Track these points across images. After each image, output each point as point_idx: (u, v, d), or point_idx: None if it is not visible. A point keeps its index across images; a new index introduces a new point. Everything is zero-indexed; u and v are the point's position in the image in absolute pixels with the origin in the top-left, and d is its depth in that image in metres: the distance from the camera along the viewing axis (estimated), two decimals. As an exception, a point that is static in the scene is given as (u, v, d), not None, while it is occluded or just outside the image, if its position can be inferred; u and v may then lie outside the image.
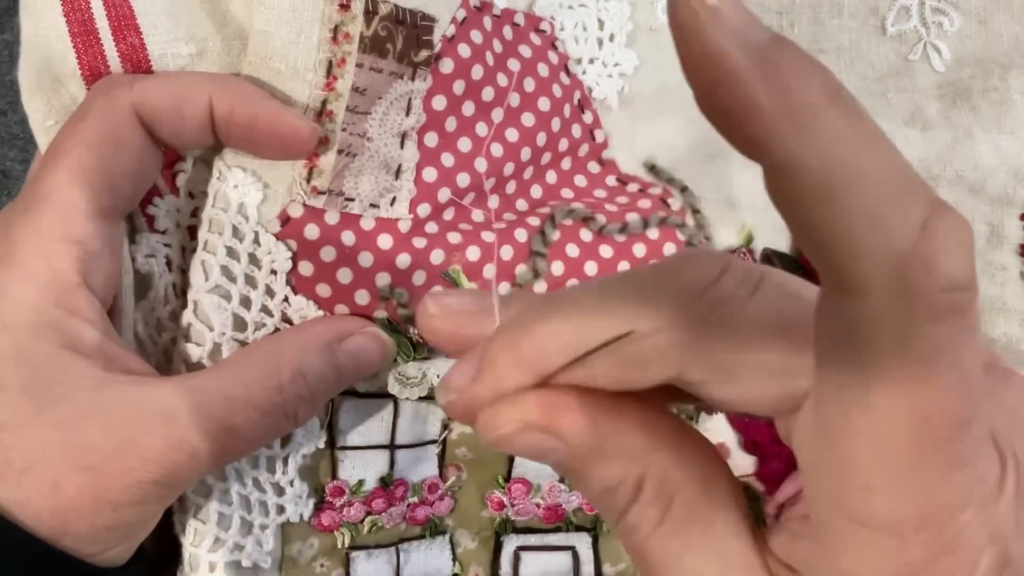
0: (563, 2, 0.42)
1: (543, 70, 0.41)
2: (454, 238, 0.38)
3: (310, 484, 0.40)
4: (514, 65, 0.39)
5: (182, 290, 0.37)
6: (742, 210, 0.44)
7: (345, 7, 0.34)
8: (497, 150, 0.40)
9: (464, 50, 0.37)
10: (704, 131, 0.44)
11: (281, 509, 0.39)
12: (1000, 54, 0.45)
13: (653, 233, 0.42)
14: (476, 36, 0.38)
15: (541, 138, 0.41)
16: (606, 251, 0.41)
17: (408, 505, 0.42)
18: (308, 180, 0.36)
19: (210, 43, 0.36)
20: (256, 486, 0.38)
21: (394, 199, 0.38)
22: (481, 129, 0.39)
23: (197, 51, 0.35)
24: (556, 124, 0.41)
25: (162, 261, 0.37)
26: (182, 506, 0.37)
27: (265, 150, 0.35)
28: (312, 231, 0.36)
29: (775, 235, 0.45)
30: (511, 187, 0.41)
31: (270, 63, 0.34)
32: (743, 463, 0.45)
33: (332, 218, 0.37)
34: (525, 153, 0.40)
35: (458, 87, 0.38)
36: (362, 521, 0.41)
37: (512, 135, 0.40)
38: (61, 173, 0.32)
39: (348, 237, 0.37)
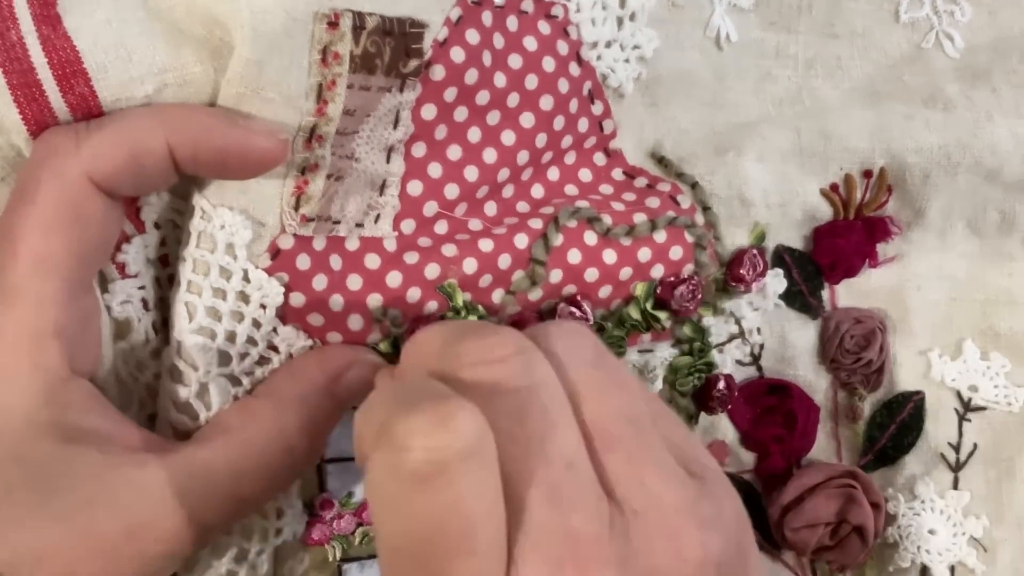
0: None
1: (549, 64, 0.38)
2: (449, 251, 0.36)
3: (300, 500, 0.38)
4: (515, 62, 0.37)
5: (162, 324, 0.35)
6: (755, 207, 0.42)
7: (333, 25, 0.31)
8: (490, 155, 0.37)
9: (457, 54, 0.35)
10: (717, 120, 0.42)
11: (279, 532, 0.37)
12: (1012, 45, 0.44)
13: (660, 236, 0.40)
14: (472, 36, 0.35)
15: (541, 139, 0.38)
16: (609, 256, 0.39)
17: None
18: (296, 208, 0.33)
19: (169, 75, 0.31)
20: (258, 513, 0.36)
21: (378, 216, 0.36)
22: (474, 135, 0.37)
23: (155, 89, 0.31)
24: (560, 122, 0.39)
25: (138, 305, 0.35)
26: None
27: (237, 175, 0.32)
28: (304, 261, 0.34)
29: (789, 232, 0.43)
30: (508, 191, 0.38)
31: (262, 93, 0.31)
32: (743, 458, 0.44)
33: (319, 244, 0.34)
34: (522, 156, 0.38)
35: (449, 94, 0.35)
36: (353, 533, 0.40)
37: (508, 138, 0.38)
38: (25, 264, 0.29)
39: (335, 261, 0.35)
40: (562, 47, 0.38)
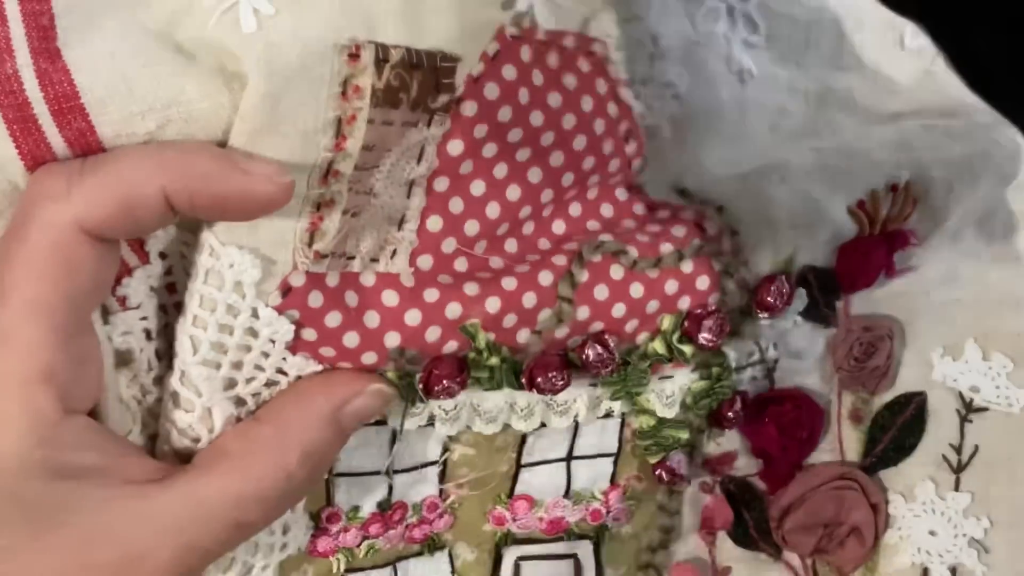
0: (619, 16, 0.37)
1: (587, 103, 0.36)
2: (471, 289, 0.36)
3: (306, 513, 0.38)
4: (554, 100, 0.35)
5: (166, 351, 0.35)
6: (782, 227, 0.41)
7: (354, 57, 0.30)
8: (514, 193, 0.36)
9: (491, 90, 0.34)
10: (737, 153, 0.42)
11: (284, 546, 0.37)
12: None
13: (687, 266, 0.39)
14: (509, 71, 0.34)
15: (568, 178, 0.37)
16: (636, 290, 0.38)
17: (407, 526, 0.41)
18: (310, 244, 0.33)
19: (173, 111, 0.30)
20: (267, 530, 0.36)
21: (395, 251, 0.35)
22: (500, 171, 0.36)
23: (157, 125, 0.30)
24: (590, 162, 0.38)
25: (140, 335, 0.34)
26: None
27: (239, 218, 0.31)
28: (316, 299, 0.33)
29: (815, 252, 0.43)
30: (529, 227, 0.38)
31: (278, 129, 0.30)
32: (748, 464, 0.45)
33: (333, 280, 0.34)
34: (546, 195, 0.37)
35: (479, 131, 0.34)
36: (358, 546, 0.40)
37: (535, 175, 0.36)
38: (15, 309, 0.29)
39: (351, 298, 0.34)
40: (601, 86, 0.37)
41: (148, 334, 0.34)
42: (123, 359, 0.34)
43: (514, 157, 0.36)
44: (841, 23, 0.41)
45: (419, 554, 0.42)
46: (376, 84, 0.30)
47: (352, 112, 0.31)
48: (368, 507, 0.39)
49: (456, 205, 0.35)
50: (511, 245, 0.37)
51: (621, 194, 0.40)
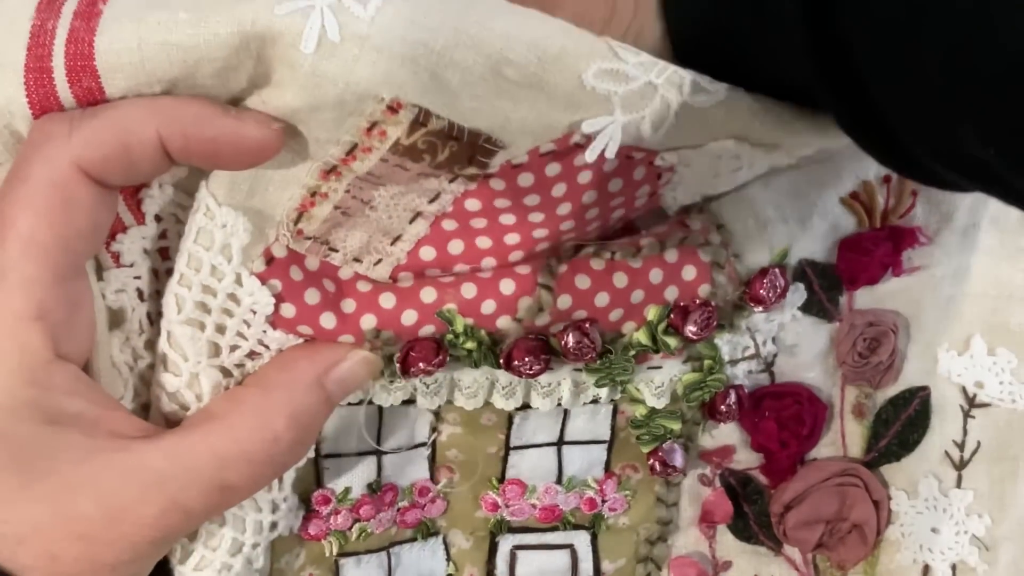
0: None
1: (618, 201, 0.36)
2: (446, 279, 0.36)
3: (296, 495, 0.38)
4: (589, 198, 0.35)
5: (157, 315, 0.35)
6: (772, 223, 0.41)
7: (393, 110, 0.30)
8: (512, 239, 0.36)
9: (525, 179, 0.33)
10: (719, 179, 0.41)
11: (274, 525, 0.38)
12: None
13: (671, 256, 0.38)
14: (552, 169, 0.33)
15: (569, 236, 0.37)
16: (620, 279, 0.38)
17: (398, 509, 0.41)
18: (296, 222, 0.33)
19: (180, 86, 0.30)
20: (252, 506, 0.36)
21: (379, 261, 0.35)
22: (511, 239, 0.36)
23: (163, 91, 0.30)
24: (594, 228, 0.38)
25: (133, 295, 0.35)
26: None
27: (233, 165, 0.32)
28: (296, 272, 0.34)
29: (813, 245, 0.43)
30: (517, 255, 0.37)
31: (294, 131, 0.30)
32: (749, 458, 0.44)
33: (312, 264, 0.34)
34: (542, 247, 0.37)
35: (501, 203, 0.34)
36: (350, 528, 0.40)
37: (539, 233, 0.36)
38: (13, 247, 0.30)
39: (328, 284, 0.35)
40: (644, 189, 0.36)
41: (141, 294, 0.35)
42: (115, 320, 0.35)
43: (526, 217, 0.35)
44: None
45: (412, 540, 0.42)
46: (402, 139, 0.30)
47: (369, 146, 0.31)
48: (358, 489, 0.39)
49: (455, 247, 0.36)
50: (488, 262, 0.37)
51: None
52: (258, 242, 0.33)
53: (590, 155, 0.32)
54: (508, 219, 0.35)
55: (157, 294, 0.35)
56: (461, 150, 0.31)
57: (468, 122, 0.30)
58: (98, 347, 0.34)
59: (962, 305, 0.43)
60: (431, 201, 0.34)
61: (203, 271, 0.33)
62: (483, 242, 0.36)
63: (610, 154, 0.32)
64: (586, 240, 0.38)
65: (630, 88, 0.30)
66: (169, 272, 0.34)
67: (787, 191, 0.42)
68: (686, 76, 0.31)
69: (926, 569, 0.44)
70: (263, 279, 0.33)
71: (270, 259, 0.34)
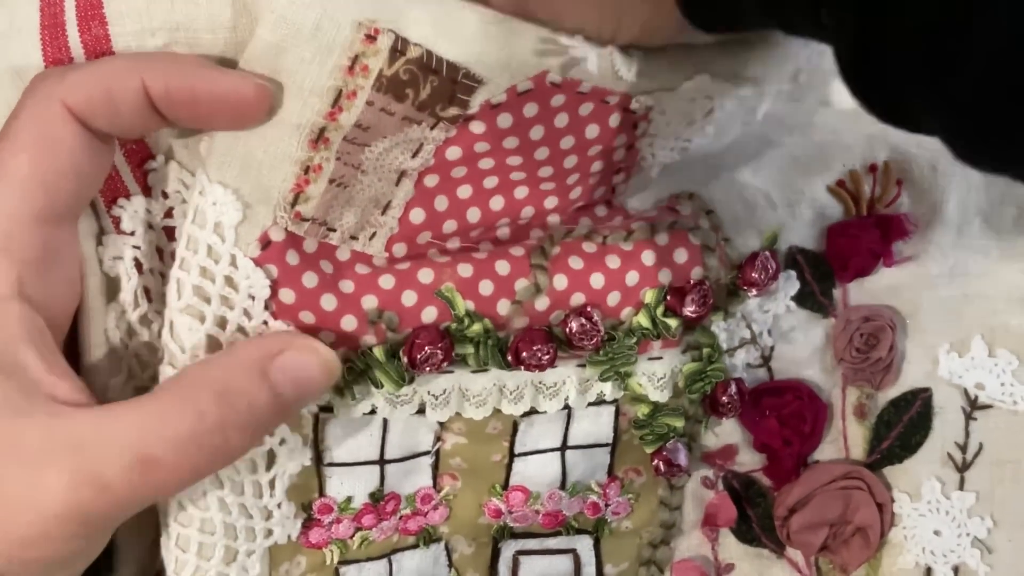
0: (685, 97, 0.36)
1: (596, 150, 0.36)
2: (441, 258, 0.36)
3: (296, 503, 0.38)
4: (567, 143, 0.35)
5: (158, 293, 0.35)
6: (760, 208, 0.41)
7: (371, 39, 0.30)
8: (497, 203, 0.37)
9: (504, 120, 0.33)
10: (711, 177, 0.41)
11: (268, 532, 0.37)
12: None
13: (662, 239, 0.39)
14: (530, 109, 0.34)
15: (551, 201, 0.38)
16: (612, 261, 0.38)
17: (400, 517, 0.40)
18: (293, 204, 0.33)
19: (180, 34, 0.32)
20: (243, 512, 0.36)
21: (374, 234, 0.35)
22: (490, 182, 0.36)
23: (164, 44, 0.32)
24: (577, 192, 0.38)
25: (130, 263, 0.34)
26: (165, 533, 0.35)
27: (218, 123, 0.32)
28: (293, 257, 0.34)
29: (802, 231, 0.43)
30: (504, 232, 0.38)
31: (277, 77, 0.31)
32: (751, 460, 0.44)
33: (310, 246, 0.34)
34: (527, 211, 0.37)
35: (481, 147, 0.34)
36: (352, 537, 0.39)
37: (521, 193, 0.37)
38: None
39: (326, 266, 0.34)
40: (621, 139, 0.37)
41: (139, 266, 0.34)
42: (111, 290, 0.35)
43: (508, 176, 0.36)
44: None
45: (414, 547, 0.41)
46: (384, 70, 0.31)
47: (353, 88, 0.31)
48: (360, 498, 0.39)
49: (441, 203, 0.36)
50: (485, 246, 0.38)
51: (600, 211, 0.40)
52: (254, 226, 0.33)
53: (588, 66, 0.32)
54: (487, 163, 0.35)
55: (162, 276, 0.35)
56: (442, 85, 0.32)
57: (445, 54, 0.31)
58: (92, 316, 0.34)
59: (961, 306, 0.43)
60: (414, 155, 0.34)
61: (200, 252, 0.33)
62: (464, 191, 0.36)
63: (592, 67, 0.32)
64: (572, 215, 0.38)
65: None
66: (173, 255, 0.34)
67: (775, 178, 0.42)
68: None
69: (928, 571, 0.44)
70: (259, 263, 0.33)
71: (266, 243, 0.33)
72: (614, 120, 0.36)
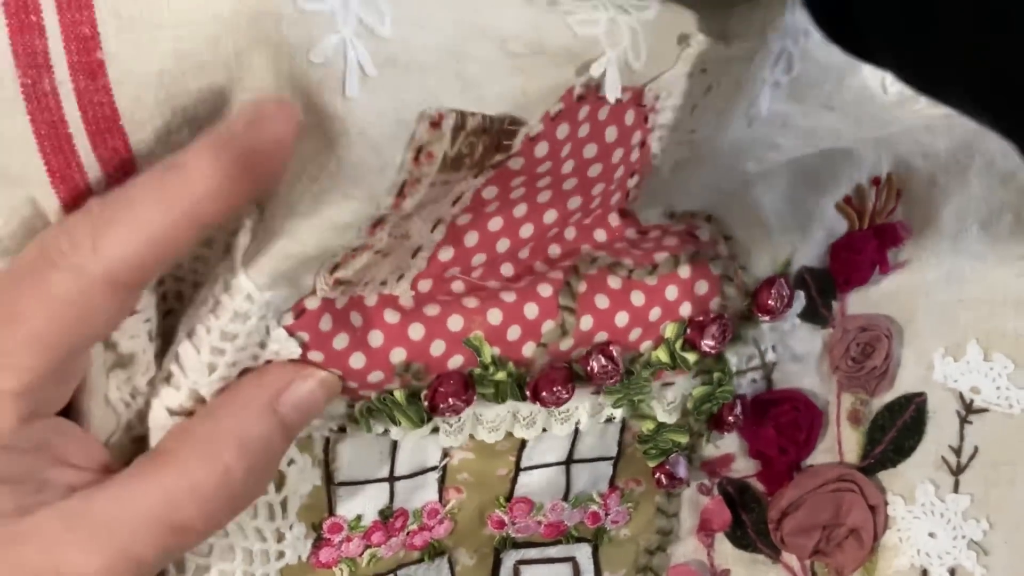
0: (686, 72, 0.35)
1: (618, 155, 0.36)
2: (471, 303, 0.35)
3: (307, 523, 0.38)
4: (590, 151, 0.35)
5: (160, 350, 0.34)
6: (775, 231, 0.41)
7: (436, 126, 0.29)
8: (527, 231, 0.36)
9: (541, 149, 0.33)
10: (722, 180, 0.41)
11: (281, 554, 0.37)
12: None
13: (684, 271, 0.38)
14: (562, 131, 0.33)
15: (576, 217, 0.37)
16: (638, 298, 0.38)
17: (408, 533, 0.40)
18: (332, 272, 0.32)
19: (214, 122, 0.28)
20: (258, 536, 0.36)
21: (401, 276, 0.35)
22: (520, 210, 0.36)
23: (190, 135, 0.28)
24: (597, 201, 0.37)
25: (144, 339, 0.34)
26: (181, 567, 0.35)
27: (268, 164, 0.28)
28: (326, 322, 0.33)
29: (811, 251, 0.43)
30: (525, 252, 0.37)
31: (349, 192, 0.29)
32: (746, 466, 0.45)
33: (341, 303, 0.33)
34: (553, 232, 0.37)
35: (516, 181, 0.34)
36: (361, 555, 0.39)
37: (550, 216, 0.36)
38: (16, 336, 0.28)
39: (355, 318, 0.34)
40: (636, 137, 0.36)
41: (150, 336, 0.34)
42: (123, 362, 0.34)
43: (536, 198, 0.35)
44: (842, 67, 0.40)
45: (419, 561, 0.41)
46: (448, 152, 0.29)
47: (419, 176, 0.30)
48: (370, 516, 0.39)
49: (471, 239, 0.35)
50: (507, 269, 0.37)
51: (613, 219, 0.39)
52: (291, 299, 0.32)
53: (610, 92, 0.32)
54: (519, 193, 0.35)
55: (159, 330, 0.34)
56: (491, 141, 0.31)
57: (494, 110, 0.30)
58: (92, 389, 0.32)
59: (957, 310, 0.44)
60: (454, 204, 0.33)
61: (239, 340, 0.31)
62: (495, 223, 0.36)
63: (615, 87, 0.32)
64: (587, 228, 0.38)
65: (603, 27, 0.31)
66: (164, 297, 0.33)
67: (787, 198, 0.42)
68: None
69: (924, 574, 0.44)
70: (291, 331, 0.32)
71: (300, 312, 0.32)
72: (629, 117, 0.35)
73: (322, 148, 0.28)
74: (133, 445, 0.34)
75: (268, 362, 0.33)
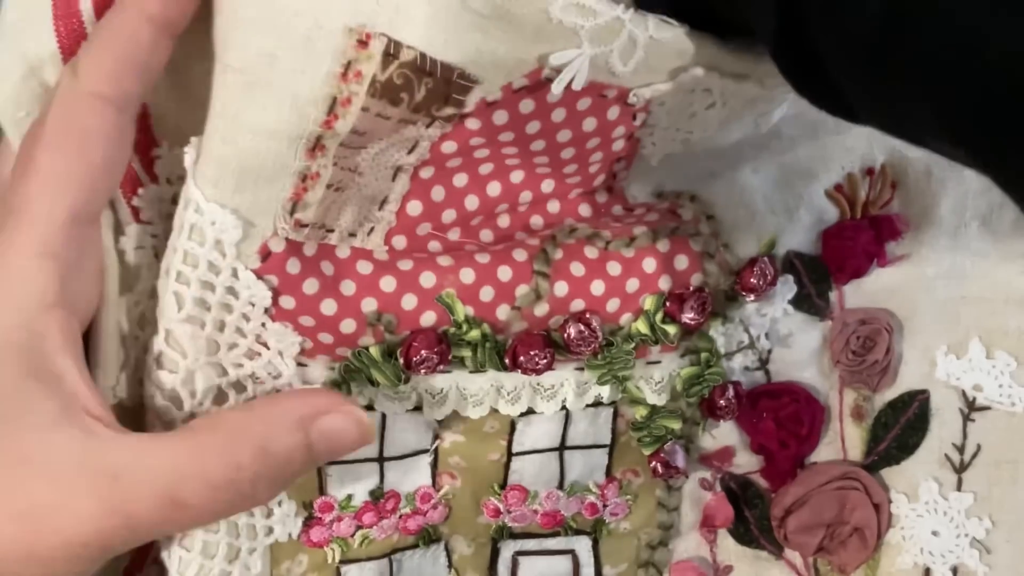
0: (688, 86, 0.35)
1: (595, 142, 0.36)
2: (445, 261, 0.36)
3: (297, 501, 0.38)
4: (564, 136, 0.35)
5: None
6: (760, 213, 0.42)
7: (363, 44, 0.29)
8: (495, 189, 0.37)
9: (500, 116, 0.33)
10: (715, 162, 0.41)
11: (269, 530, 0.37)
12: None
13: (663, 245, 0.39)
14: (526, 105, 0.33)
15: (547, 184, 0.38)
16: (614, 268, 0.38)
17: (400, 516, 0.41)
18: (292, 213, 0.33)
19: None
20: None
21: (372, 229, 0.36)
22: (485, 168, 0.36)
23: None
24: (575, 179, 0.38)
25: (150, 253, 0.35)
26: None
27: None
28: (294, 265, 0.34)
29: (799, 236, 0.43)
30: (504, 220, 0.38)
31: (271, 85, 0.30)
32: (749, 461, 0.45)
33: (310, 249, 0.34)
34: (525, 196, 0.38)
35: (476, 141, 0.34)
36: (352, 535, 0.40)
37: (517, 177, 0.37)
38: (32, 184, 0.30)
39: (327, 267, 0.35)
40: (619, 131, 0.36)
41: (156, 255, 0.35)
42: (129, 281, 0.35)
43: (503, 161, 0.36)
44: None
45: (414, 546, 0.42)
46: (378, 75, 0.30)
47: (348, 95, 0.30)
48: (361, 496, 0.39)
49: (437, 193, 0.36)
50: (486, 235, 0.38)
51: (601, 196, 0.40)
52: (254, 239, 0.33)
53: (556, 87, 0.32)
54: (482, 153, 0.35)
55: None
56: (436, 87, 0.31)
57: (440, 55, 0.30)
58: (107, 309, 0.33)
59: (959, 308, 0.44)
60: (409, 152, 0.34)
61: (200, 267, 0.33)
62: (460, 180, 0.36)
63: (577, 86, 0.32)
64: (572, 202, 0.39)
65: (597, 23, 0.31)
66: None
67: (775, 181, 0.42)
68: (650, 15, 0.31)
69: (927, 572, 0.44)
70: (260, 274, 0.33)
71: (267, 254, 0.33)
72: (612, 113, 0.35)
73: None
74: (139, 386, 0.35)
75: (246, 318, 0.34)
